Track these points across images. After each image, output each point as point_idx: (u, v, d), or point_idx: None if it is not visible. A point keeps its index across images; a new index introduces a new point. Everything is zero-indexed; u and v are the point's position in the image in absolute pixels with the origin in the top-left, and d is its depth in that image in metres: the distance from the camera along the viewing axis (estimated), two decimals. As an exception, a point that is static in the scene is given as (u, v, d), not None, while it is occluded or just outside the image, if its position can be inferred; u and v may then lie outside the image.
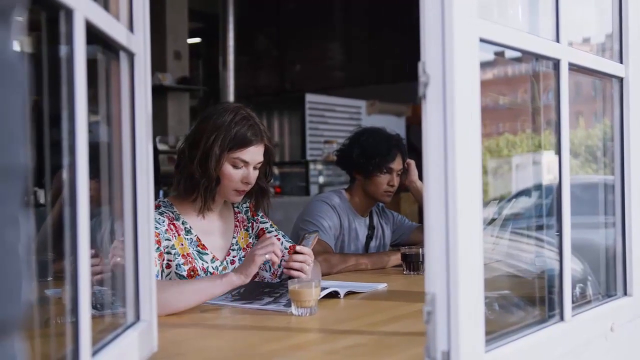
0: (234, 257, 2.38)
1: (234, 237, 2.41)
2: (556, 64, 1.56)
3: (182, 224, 2.28)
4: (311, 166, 7.80)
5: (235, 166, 2.25)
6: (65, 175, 1.04)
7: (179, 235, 2.24)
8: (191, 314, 1.98)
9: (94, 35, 1.14)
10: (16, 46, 0.62)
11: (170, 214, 2.26)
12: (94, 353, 1.12)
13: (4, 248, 0.59)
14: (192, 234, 2.28)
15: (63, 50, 1.04)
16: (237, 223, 2.44)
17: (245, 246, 2.42)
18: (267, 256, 2.04)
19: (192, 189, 2.27)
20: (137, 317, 1.41)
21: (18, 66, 0.61)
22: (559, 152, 1.57)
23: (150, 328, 1.43)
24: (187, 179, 2.27)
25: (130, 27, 1.38)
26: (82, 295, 1.04)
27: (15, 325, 0.61)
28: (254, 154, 2.28)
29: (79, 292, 1.03)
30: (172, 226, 2.23)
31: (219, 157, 2.22)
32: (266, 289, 2.20)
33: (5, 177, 0.59)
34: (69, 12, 1.02)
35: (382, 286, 2.42)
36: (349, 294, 2.24)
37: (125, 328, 1.35)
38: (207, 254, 2.29)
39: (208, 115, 2.28)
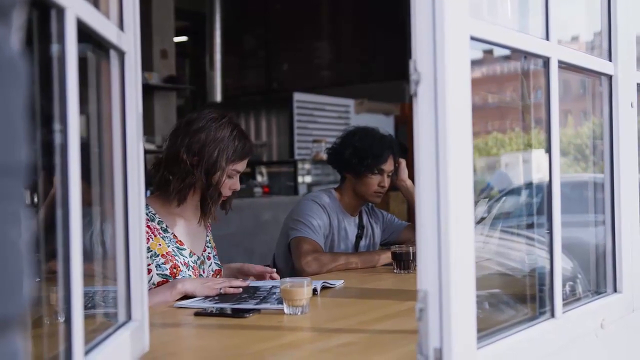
0: (209, 253, 2.51)
1: (207, 236, 2.53)
2: (546, 61, 1.57)
3: (158, 223, 2.36)
4: (300, 165, 7.79)
5: (229, 176, 2.38)
6: (56, 175, 1.03)
7: (155, 236, 2.31)
8: (182, 314, 1.98)
9: (84, 34, 1.14)
10: (16, 44, 0.62)
11: (145, 211, 2.30)
12: (86, 352, 1.11)
13: (6, 245, 0.59)
14: (169, 232, 2.36)
15: (54, 48, 1.04)
16: (208, 224, 2.56)
17: (214, 246, 2.57)
18: (221, 291, 2.19)
19: (187, 196, 2.36)
20: (129, 317, 1.40)
21: (19, 64, 0.61)
22: (549, 150, 1.57)
23: (141, 328, 1.43)
24: (187, 188, 2.33)
25: (121, 26, 1.38)
26: (74, 296, 1.03)
27: (17, 322, 0.61)
28: (245, 164, 2.44)
29: (72, 292, 1.03)
30: (147, 228, 2.26)
31: (224, 171, 2.34)
32: (244, 294, 2.18)
33: (7, 175, 0.59)
34: (61, 11, 1.01)
35: (339, 282, 2.45)
36: (324, 288, 2.30)
37: (117, 327, 1.34)
38: (185, 249, 2.39)
39: (203, 126, 2.34)
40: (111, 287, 1.44)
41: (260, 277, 2.49)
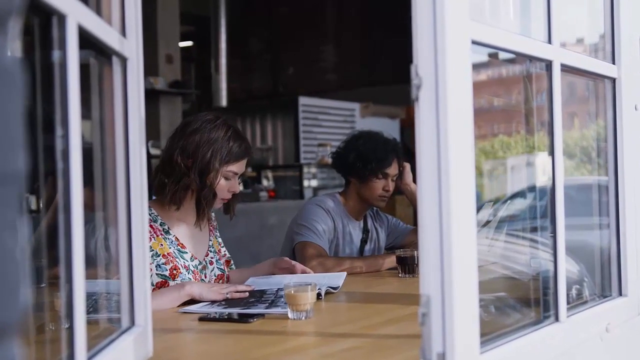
0: (211, 258, 2.50)
1: (210, 240, 2.53)
2: (548, 65, 1.56)
3: (161, 225, 2.36)
4: (305, 169, 7.78)
5: (226, 178, 2.38)
6: (58, 181, 1.04)
7: (157, 236, 2.33)
8: (186, 319, 1.98)
9: (86, 40, 1.14)
10: (13, 52, 0.62)
11: (148, 216, 2.31)
12: (89, 358, 1.11)
13: (2, 253, 0.59)
14: (171, 234, 2.37)
15: (56, 55, 1.04)
16: (211, 228, 2.57)
17: (217, 250, 2.55)
18: (228, 295, 2.17)
19: (183, 199, 2.36)
20: (132, 322, 1.40)
21: (16, 72, 0.61)
22: (552, 153, 1.57)
23: (145, 333, 1.43)
24: (182, 190, 2.33)
25: (123, 32, 1.38)
26: (76, 302, 1.03)
27: (14, 329, 0.61)
28: (243, 165, 2.43)
29: (74, 298, 1.03)
30: (149, 228, 2.26)
31: (218, 171, 2.33)
32: (251, 298, 2.18)
33: (4, 183, 0.59)
34: (62, 18, 1.02)
35: (343, 275, 2.50)
36: (328, 293, 2.29)
37: (120, 333, 1.35)
38: (187, 252, 2.39)
39: (198, 127, 2.35)
40: (114, 288, 1.44)
41: (290, 271, 2.53)
